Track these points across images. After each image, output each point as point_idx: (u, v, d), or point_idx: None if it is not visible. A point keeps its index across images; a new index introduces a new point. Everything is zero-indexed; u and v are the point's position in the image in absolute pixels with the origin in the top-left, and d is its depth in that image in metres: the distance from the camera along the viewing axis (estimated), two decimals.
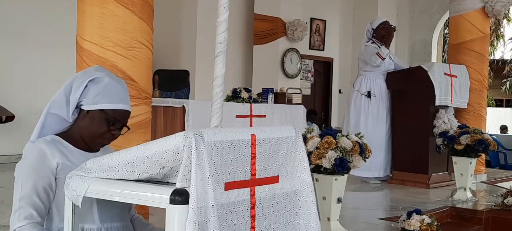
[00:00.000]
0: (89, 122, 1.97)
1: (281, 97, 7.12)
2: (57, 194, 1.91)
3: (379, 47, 6.78)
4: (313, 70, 10.95)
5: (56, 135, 2.00)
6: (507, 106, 23.74)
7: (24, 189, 1.88)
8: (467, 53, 7.48)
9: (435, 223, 4.07)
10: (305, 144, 3.63)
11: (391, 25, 6.98)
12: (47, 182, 1.90)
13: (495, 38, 21.98)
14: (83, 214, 1.85)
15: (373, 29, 6.91)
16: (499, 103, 24.20)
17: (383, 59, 6.68)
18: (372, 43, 6.86)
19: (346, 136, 3.79)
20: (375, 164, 6.63)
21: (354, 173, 6.43)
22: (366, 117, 6.78)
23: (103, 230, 1.92)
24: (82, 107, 1.98)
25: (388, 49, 6.78)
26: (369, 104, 6.78)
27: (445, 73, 6.60)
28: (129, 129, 2.05)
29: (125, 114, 2.01)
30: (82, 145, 2.01)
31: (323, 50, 11.26)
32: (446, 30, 15.00)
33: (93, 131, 1.97)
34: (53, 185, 1.91)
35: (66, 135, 2.01)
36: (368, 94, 6.78)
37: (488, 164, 9.47)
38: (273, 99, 6.83)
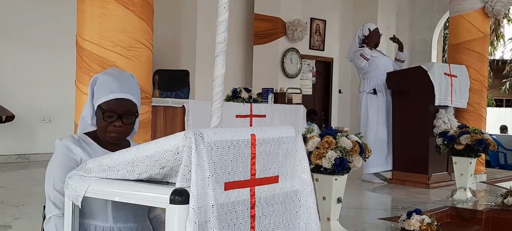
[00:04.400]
0: (96, 120, 2.05)
1: (281, 97, 7.13)
2: None
3: (364, 48, 6.91)
4: (314, 70, 10.95)
5: (86, 133, 2.06)
6: (507, 106, 23.74)
7: (56, 180, 1.92)
8: (467, 53, 7.48)
9: (435, 223, 4.08)
10: (305, 144, 3.63)
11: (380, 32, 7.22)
12: None
13: (495, 38, 21.98)
14: (96, 212, 1.89)
15: (364, 35, 7.02)
16: (499, 103, 24.19)
17: (367, 59, 6.77)
18: (360, 47, 6.96)
19: (346, 136, 3.79)
20: (391, 158, 6.85)
21: (370, 171, 6.72)
22: (377, 113, 6.94)
23: (116, 230, 1.94)
24: None
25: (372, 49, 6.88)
26: (377, 101, 6.92)
27: (445, 73, 6.60)
28: (136, 116, 2.05)
29: (119, 103, 2.00)
30: (105, 144, 2.05)
31: (323, 50, 11.26)
32: (446, 30, 15.00)
33: (99, 128, 2.04)
34: None
35: (93, 134, 2.06)
36: (374, 91, 6.94)
37: (488, 164, 9.47)
38: (273, 99, 6.83)
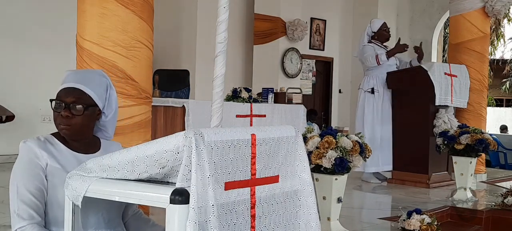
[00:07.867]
0: None
1: (281, 97, 7.12)
2: (49, 194, 1.91)
3: (384, 48, 6.87)
4: (314, 69, 10.95)
5: (53, 133, 2.01)
6: (507, 106, 23.75)
7: (20, 189, 1.87)
8: (467, 53, 7.48)
9: (435, 223, 4.08)
10: (305, 144, 3.63)
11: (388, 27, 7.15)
12: (40, 181, 1.90)
13: (495, 38, 21.97)
14: (62, 220, 1.81)
15: (373, 32, 6.99)
16: (499, 103, 24.20)
17: (378, 64, 6.75)
18: (369, 43, 6.93)
19: (346, 136, 3.79)
20: (383, 159, 6.78)
21: (364, 170, 6.67)
22: (373, 113, 6.89)
23: None
24: None
25: (387, 57, 6.82)
26: (373, 100, 6.88)
27: (445, 73, 6.60)
28: (85, 107, 1.95)
29: (66, 91, 1.95)
30: (71, 144, 2.00)
31: (323, 50, 11.26)
32: (446, 30, 15.00)
33: (54, 123, 1.99)
34: (45, 184, 1.91)
35: (60, 135, 2.01)
36: (372, 91, 6.88)
37: (488, 164, 9.46)
38: (273, 99, 6.84)
